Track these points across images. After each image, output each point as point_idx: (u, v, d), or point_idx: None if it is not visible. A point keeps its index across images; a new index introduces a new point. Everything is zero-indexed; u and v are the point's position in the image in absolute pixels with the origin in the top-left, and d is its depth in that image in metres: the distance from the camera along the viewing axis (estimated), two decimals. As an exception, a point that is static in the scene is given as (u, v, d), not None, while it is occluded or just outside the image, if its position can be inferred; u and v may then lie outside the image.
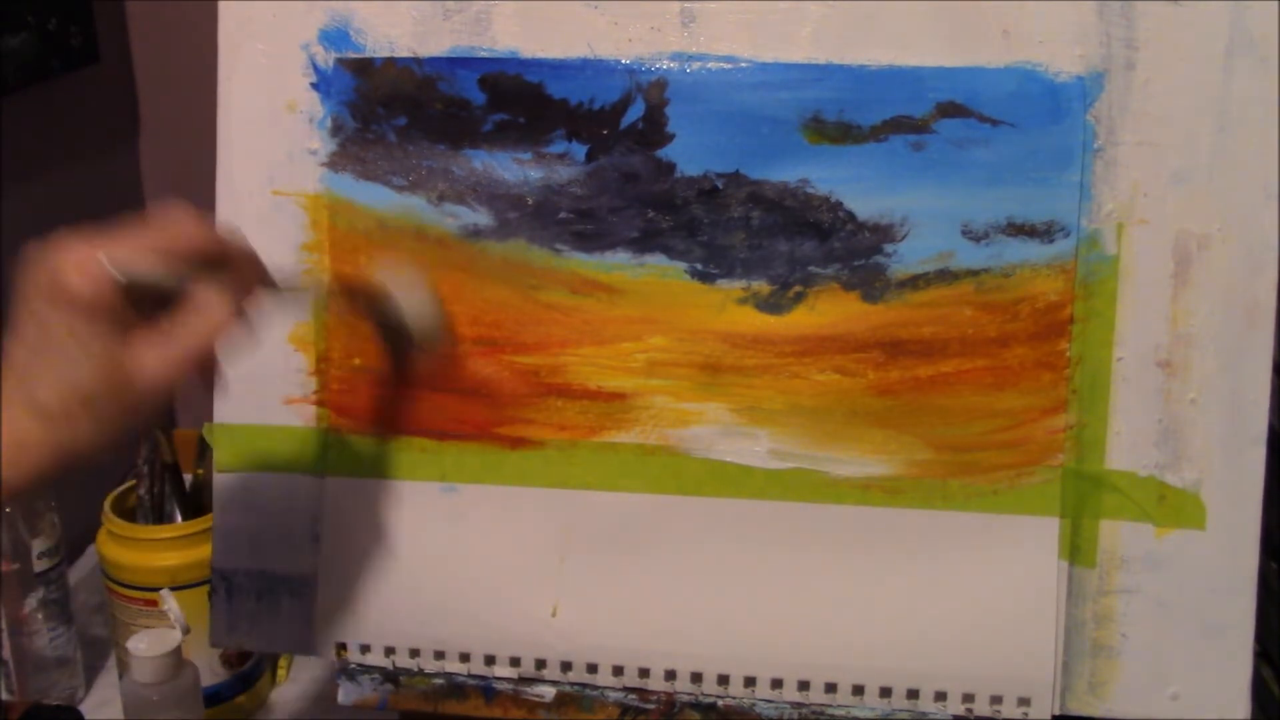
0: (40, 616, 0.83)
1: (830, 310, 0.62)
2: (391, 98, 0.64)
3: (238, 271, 0.52)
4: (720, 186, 0.62)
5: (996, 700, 0.62)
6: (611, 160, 0.62)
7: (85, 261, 0.47)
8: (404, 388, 0.64)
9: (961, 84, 0.60)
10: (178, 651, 0.68)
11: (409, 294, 0.61)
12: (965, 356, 0.61)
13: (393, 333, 0.62)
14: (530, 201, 0.63)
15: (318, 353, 0.66)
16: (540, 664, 0.65)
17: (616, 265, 0.63)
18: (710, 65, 0.62)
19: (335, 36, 0.64)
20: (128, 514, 0.83)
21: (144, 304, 0.49)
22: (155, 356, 0.49)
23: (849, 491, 0.62)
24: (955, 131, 0.60)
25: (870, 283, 0.61)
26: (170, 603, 0.71)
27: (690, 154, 0.62)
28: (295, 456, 0.66)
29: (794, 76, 0.61)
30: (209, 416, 0.67)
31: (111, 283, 0.47)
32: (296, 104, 0.65)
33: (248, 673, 0.81)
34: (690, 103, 0.62)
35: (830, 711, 0.63)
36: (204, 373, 0.52)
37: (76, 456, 0.49)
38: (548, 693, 0.65)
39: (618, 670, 0.64)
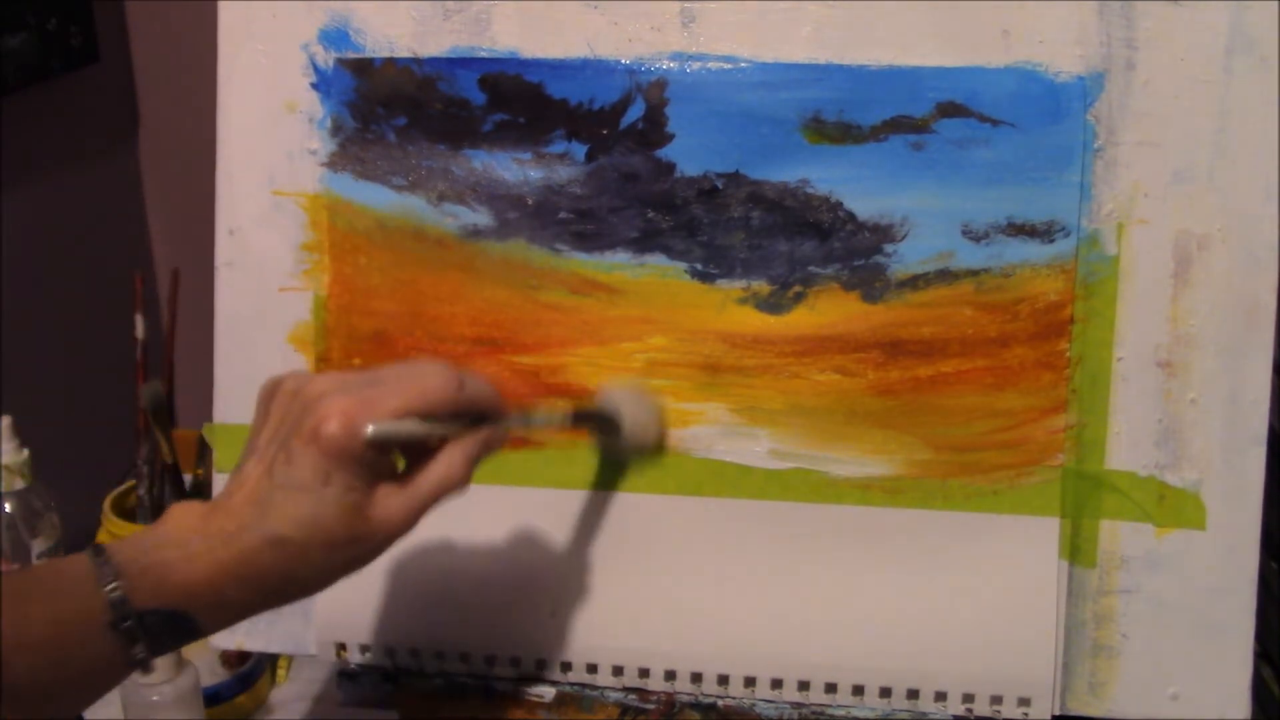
0: (40, 616, 0.83)
1: (830, 310, 0.62)
2: (391, 98, 0.64)
3: (483, 426, 0.53)
4: (720, 186, 0.62)
5: (996, 700, 0.62)
6: (611, 160, 0.62)
7: (345, 409, 0.49)
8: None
9: (961, 84, 0.60)
10: (178, 651, 0.68)
11: (636, 414, 0.62)
12: (965, 356, 0.61)
13: (609, 447, 0.63)
14: (530, 201, 0.63)
15: (317, 353, 0.66)
16: (540, 664, 0.65)
17: (616, 265, 0.63)
18: (710, 65, 0.62)
19: (335, 36, 0.64)
20: (128, 514, 0.83)
21: (390, 452, 0.51)
22: (396, 506, 0.51)
23: (849, 491, 0.62)
24: (955, 131, 0.60)
25: (870, 283, 0.61)
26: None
27: (690, 154, 0.62)
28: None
29: (794, 76, 0.61)
30: (209, 416, 0.67)
31: (366, 436, 0.49)
32: (296, 104, 0.65)
33: (248, 673, 0.81)
34: (690, 103, 0.62)
35: (830, 711, 0.63)
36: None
37: (303, 592, 0.51)
38: (548, 693, 0.65)
39: (618, 670, 0.64)
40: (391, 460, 0.52)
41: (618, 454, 0.63)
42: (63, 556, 0.53)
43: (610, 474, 0.64)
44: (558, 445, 0.64)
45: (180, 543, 0.49)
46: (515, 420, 0.56)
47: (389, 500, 0.51)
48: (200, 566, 0.48)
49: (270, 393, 0.52)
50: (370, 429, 0.49)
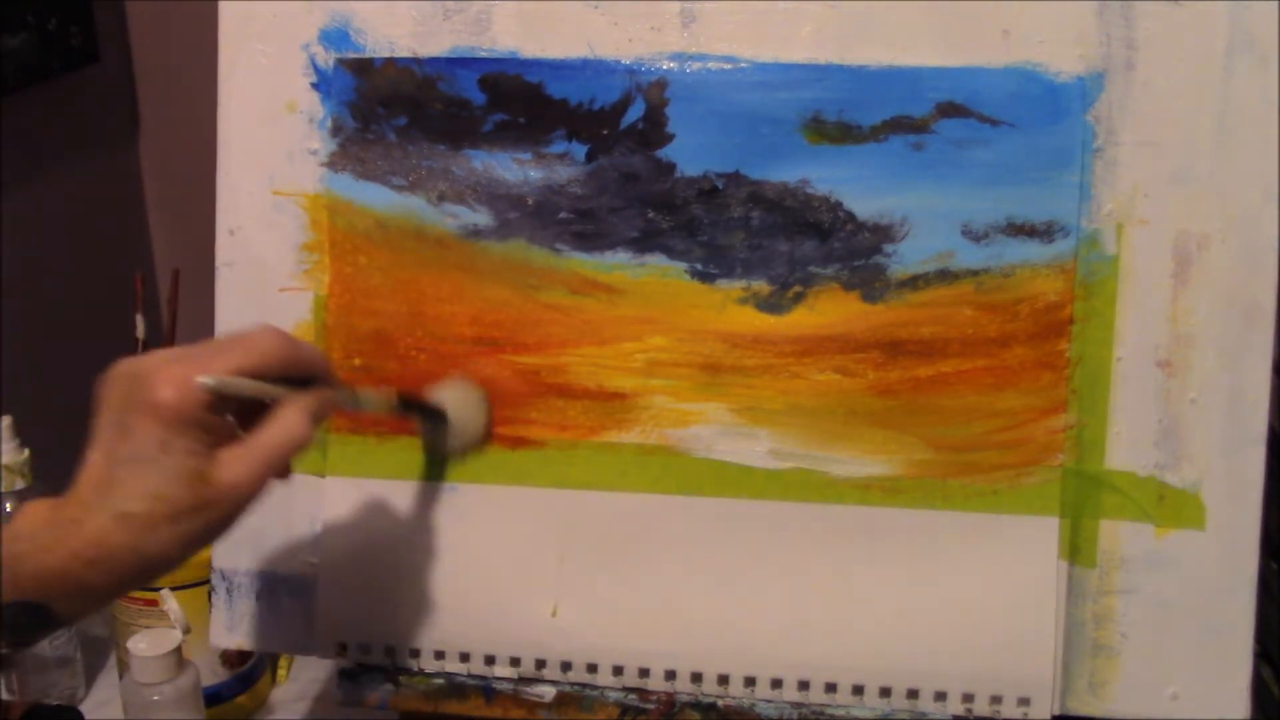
0: (40, 616, 0.83)
1: (830, 310, 0.62)
2: (391, 98, 0.64)
3: (316, 387, 0.54)
4: (720, 186, 0.62)
5: (996, 700, 0.62)
6: (611, 160, 0.62)
7: (175, 375, 0.49)
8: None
9: (961, 84, 0.60)
10: (178, 651, 0.68)
11: (462, 410, 0.64)
12: (965, 356, 0.61)
13: (434, 440, 0.65)
14: (530, 201, 0.63)
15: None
16: (540, 664, 0.65)
17: (616, 265, 0.63)
18: (710, 65, 0.62)
19: (335, 36, 0.64)
20: (128, 514, 0.83)
21: (227, 416, 0.52)
22: (240, 468, 0.51)
23: (849, 491, 0.62)
24: (955, 131, 0.60)
25: (870, 283, 0.61)
26: (170, 603, 0.71)
27: (690, 154, 0.62)
28: (295, 456, 0.66)
29: (794, 76, 0.61)
30: (209, 416, 0.67)
31: (199, 395, 0.49)
32: (296, 104, 0.65)
33: (248, 673, 0.81)
34: (690, 103, 0.62)
35: (830, 711, 0.63)
36: (282, 477, 0.55)
37: (160, 566, 0.50)
38: (548, 693, 0.65)
39: (618, 670, 0.64)
40: (231, 425, 0.52)
41: (440, 447, 0.64)
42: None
43: (435, 466, 0.65)
44: (558, 445, 0.64)
45: (30, 535, 0.49)
46: (345, 395, 0.57)
47: (232, 463, 0.51)
48: (52, 556, 0.48)
49: (107, 383, 0.52)
50: (200, 382, 0.49)
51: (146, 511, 0.49)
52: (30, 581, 0.48)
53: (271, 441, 0.52)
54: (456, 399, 0.64)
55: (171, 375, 0.49)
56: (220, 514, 0.51)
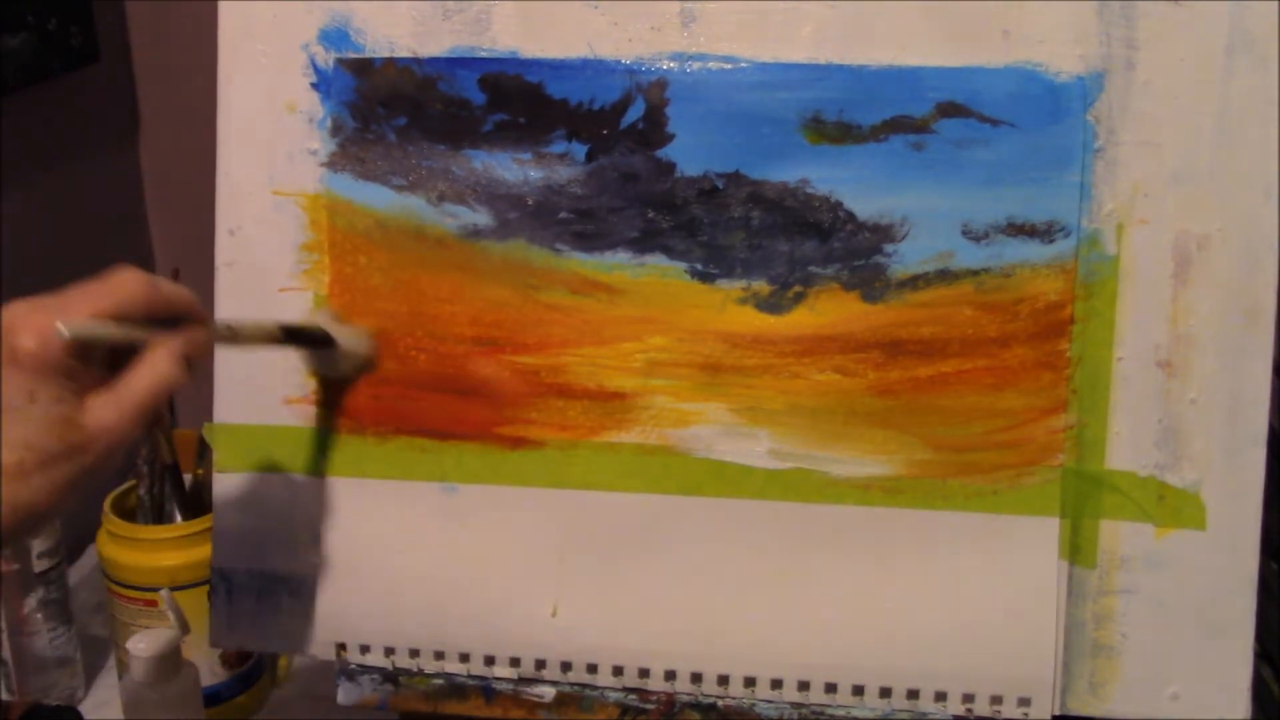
0: (40, 616, 0.83)
1: (830, 310, 0.62)
2: (391, 98, 0.64)
3: (185, 327, 0.54)
4: (720, 186, 0.62)
5: (996, 700, 0.62)
6: (611, 160, 0.62)
7: (37, 323, 0.50)
8: (401, 387, 0.65)
9: (961, 84, 0.60)
10: (178, 651, 0.68)
11: (347, 333, 0.64)
12: (965, 356, 0.61)
13: (323, 366, 0.65)
14: (530, 201, 0.63)
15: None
16: (540, 664, 0.65)
17: (616, 265, 0.63)
18: (710, 65, 0.62)
19: (335, 36, 0.64)
20: (128, 514, 0.83)
21: (94, 362, 0.52)
22: (109, 412, 0.51)
23: (849, 491, 0.62)
24: (955, 131, 0.60)
25: (870, 283, 0.61)
26: (170, 603, 0.71)
27: (690, 154, 0.62)
28: (295, 456, 0.66)
29: (794, 76, 0.61)
30: (209, 416, 0.67)
31: (62, 342, 0.49)
32: (296, 104, 0.65)
33: (248, 673, 0.81)
34: (690, 103, 0.62)
35: (830, 711, 0.63)
36: (156, 423, 0.55)
37: (34, 515, 0.50)
38: (548, 693, 0.65)
39: (618, 670, 0.64)
40: (97, 370, 0.52)
41: (330, 372, 0.65)
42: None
43: (327, 390, 0.65)
44: (558, 445, 0.64)
45: None
46: (219, 329, 0.57)
47: (101, 408, 0.51)
48: None
49: None
50: (61, 329, 0.49)
51: (16, 461, 0.49)
52: None
53: (140, 385, 0.52)
54: (337, 325, 0.64)
55: (32, 323, 0.50)
56: (91, 459, 0.51)
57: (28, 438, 0.49)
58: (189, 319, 0.55)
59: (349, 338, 0.64)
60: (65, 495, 0.50)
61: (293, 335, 0.62)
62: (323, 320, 0.64)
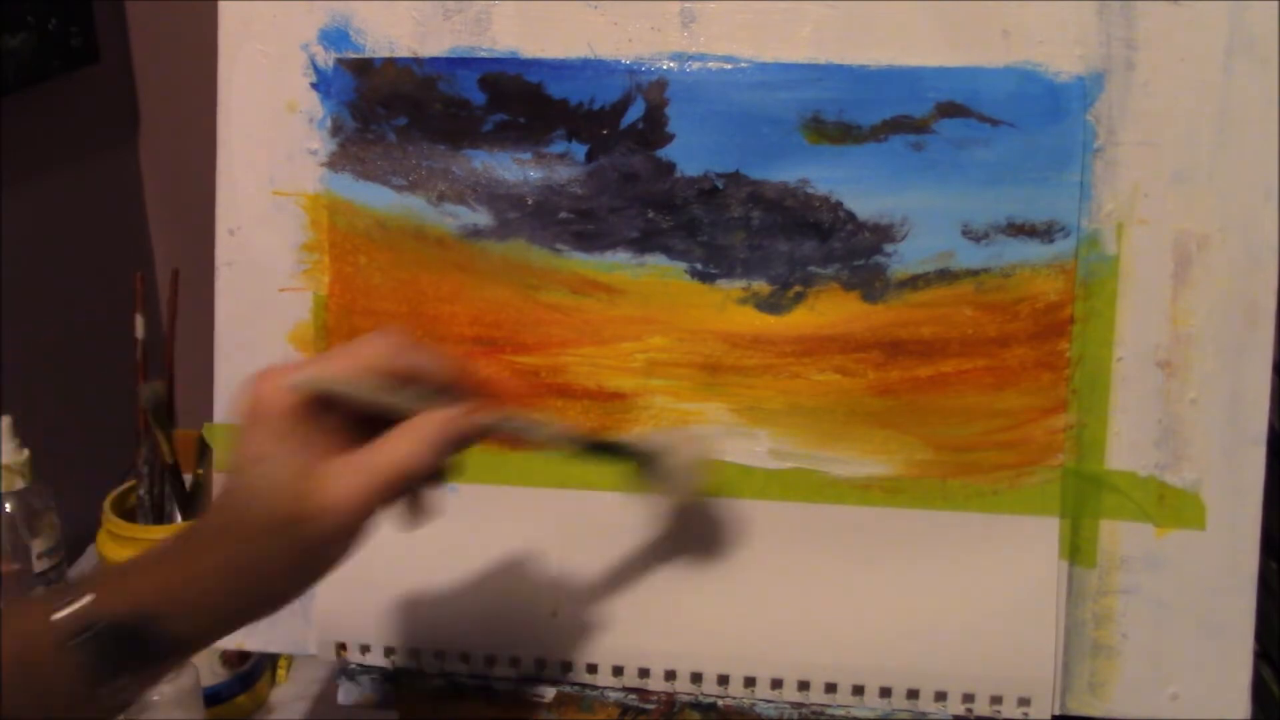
0: (40, 616, 0.83)
1: (830, 310, 0.62)
2: (391, 98, 0.64)
3: (464, 404, 0.49)
4: (720, 186, 0.62)
5: (996, 700, 0.62)
6: (611, 160, 0.62)
7: (275, 382, 0.47)
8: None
9: (961, 84, 0.60)
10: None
11: (677, 452, 0.57)
12: (965, 356, 0.61)
13: (639, 483, 0.58)
14: (530, 201, 0.63)
15: (317, 353, 0.66)
16: (540, 664, 0.65)
17: (616, 265, 0.63)
18: (710, 65, 0.62)
19: (335, 36, 0.64)
20: (128, 514, 0.83)
21: (341, 428, 0.48)
22: (345, 482, 0.47)
23: (849, 491, 0.62)
24: (955, 131, 0.60)
25: (870, 283, 0.61)
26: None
27: (690, 154, 0.62)
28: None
29: (794, 76, 0.61)
30: (209, 416, 0.67)
31: (294, 400, 0.47)
32: (296, 104, 0.65)
33: (248, 673, 0.81)
34: (690, 103, 0.62)
35: (830, 711, 0.63)
36: (412, 510, 0.51)
37: (264, 586, 0.47)
38: (548, 693, 0.65)
39: (618, 670, 0.64)
40: (341, 437, 0.48)
41: (648, 488, 0.58)
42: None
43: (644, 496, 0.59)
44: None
45: (150, 551, 0.47)
46: (504, 418, 0.51)
47: (338, 476, 0.47)
48: (159, 570, 0.46)
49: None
50: (290, 381, 0.47)
51: (248, 518, 0.46)
52: (129, 603, 0.44)
53: (382, 460, 0.47)
54: (674, 444, 0.57)
55: (271, 381, 0.47)
56: (322, 530, 0.47)
57: (260, 494, 0.46)
58: (461, 391, 0.50)
59: (676, 453, 0.57)
60: (297, 566, 0.47)
61: (599, 449, 0.56)
62: (651, 438, 0.58)
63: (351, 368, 0.48)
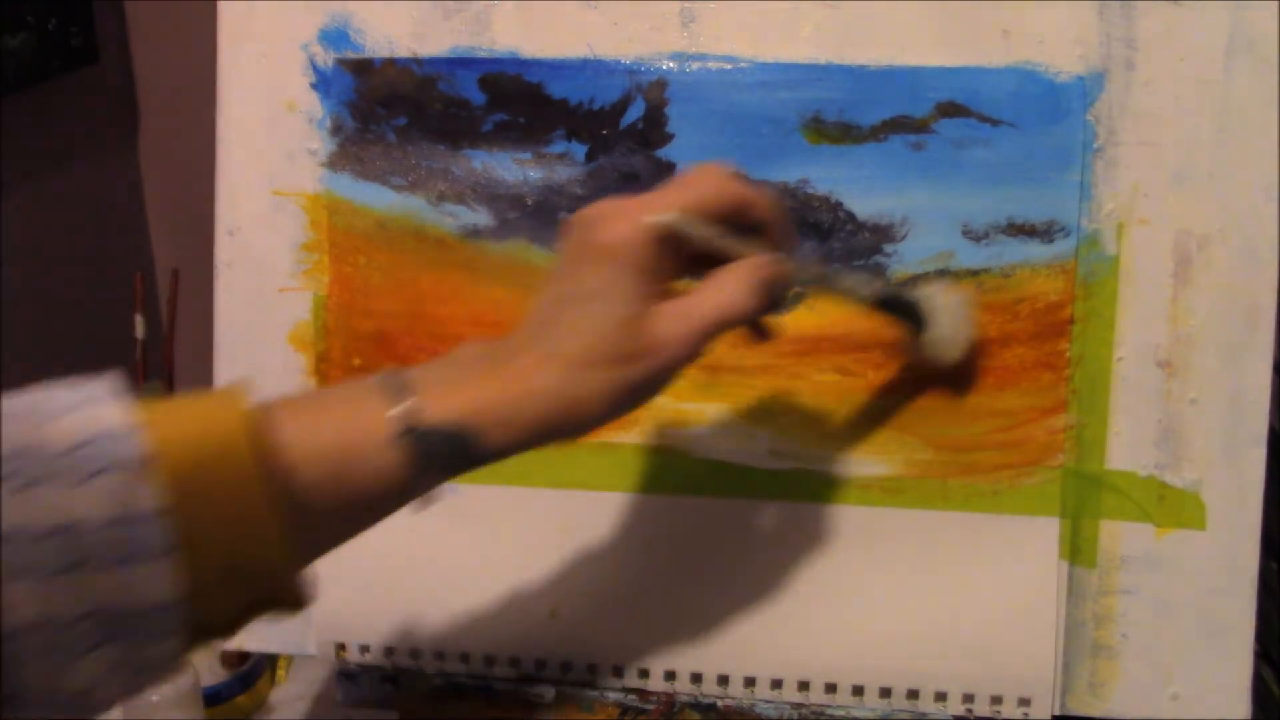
0: (40, 616, 0.83)
1: (830, 310, 0.62)
2: (391, 98, 0.64)
3: (774, 248, 0.50)
4: (720, 186, 0.62)
5: (996, 700, 0.62)
6: (611, 160, 0.62)
7: (620, 217, 0.48)
8: None
9: (961, 84, 0.60)
10: (178, 651, 0.68)
11: (946, 317, 0.58)
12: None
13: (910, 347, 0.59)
14: (530, 201, 0.63)
15: (317, 353, 0.66)
16: (540, 664, 0.65)
17: (616, 265, 0.63)
18: (710, 65, 0.62)
19: (335, 36, 0.64)
20: (128, 514, 0.83)
21: (669, 268, 0.49)
22: (674, 326, 0.48)
23: (849, 491, 0.62)
24: (955, 131, 0.60)
25: (870, 283, 0.61)
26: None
27: (690, 154, 0.62)
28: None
29: (794, 76, 0.61)
30: (209, 416, 0.67)
31: (646, 238, 0.48)
32: (296, 104, 0.65)
33: (248, 673, 0.81)
34: (690, 103, 0.62)
35: (830, 711, 0.63)
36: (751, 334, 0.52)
37: (581, 408, 0.48)
38: (548, 693, 0.65)
39: (618, 670, 0.64)
40: (671, 277, 0.49)
41: (914, 354, 0.60)
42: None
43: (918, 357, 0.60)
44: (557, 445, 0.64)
45: (464, 364, 0.48)
46: (813, 267, 0.52)
47: (667, 320, 0.48)
48: (481, 386, 0.47)
49: (564, 227, 0.51)
50: (647, 220, 0.47)
51: (577, 351, 0.47)
52: (457, 408, 0.46)
53: (707, 306, 0.49)
54: (941, 302, 0.58)
55: (621, 216, 0.48)
56: (646, 370, 0.48)
57: (594, 329, 0.47)
58: (776, 237, 0.51)
59: (947, 319, 0.58)
60: (615, 403, 0.48)
61: (887, 304, 0.57)
62: (928, 293, 0.58)
63: (693, 205, 0.49)
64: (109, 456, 0.40)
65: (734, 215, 0.50)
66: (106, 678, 0.42)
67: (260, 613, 0.45)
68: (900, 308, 0.58)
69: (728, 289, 0.49)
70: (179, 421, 0.42)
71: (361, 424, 0.46)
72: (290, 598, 0.45)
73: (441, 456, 0.46)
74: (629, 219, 0.48)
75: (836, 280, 0.55)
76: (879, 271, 0.61)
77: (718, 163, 0.51)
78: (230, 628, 0.44)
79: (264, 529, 0.42)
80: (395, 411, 0.46)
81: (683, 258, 0.50)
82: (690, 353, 0.49)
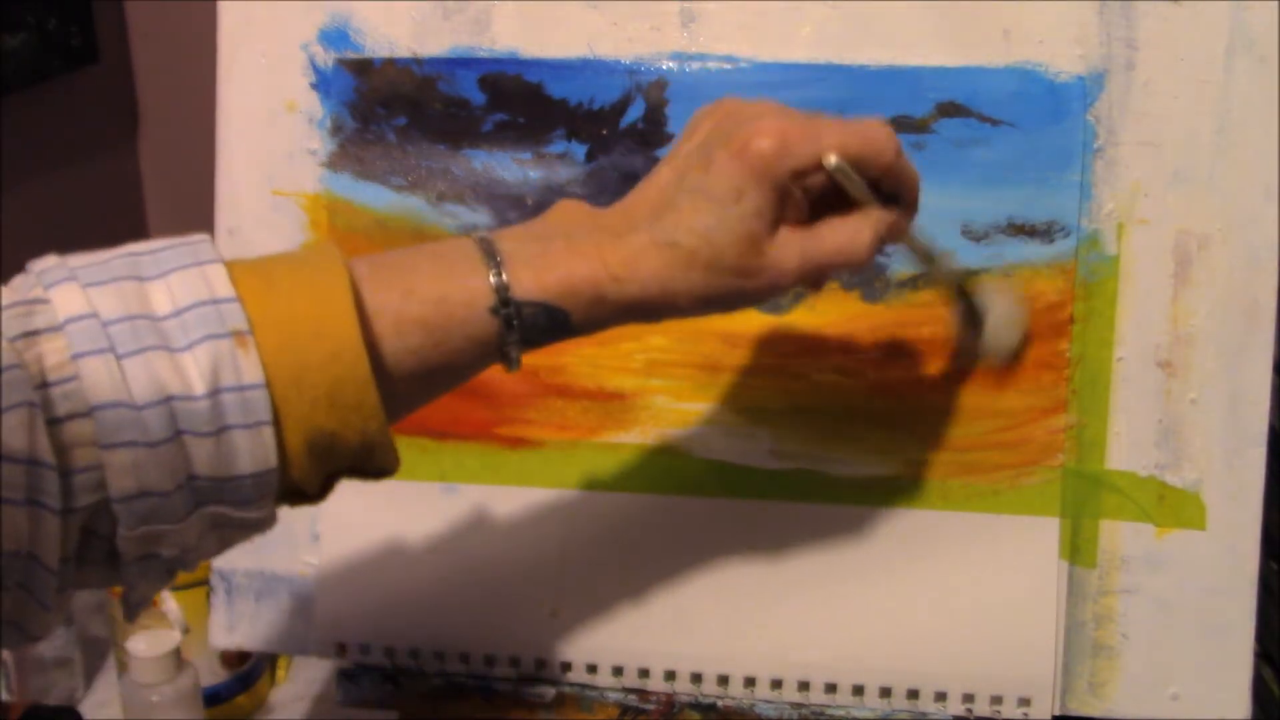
0: (40, 616, 0.83)
1: (830, 310, 0.62)
2: (391, 98, 0.64)
3: (902, 206, 0.50)
4: (720, 186, 0.61)
5: (996, 700, 0.62)
6: (611, 160, 0.62)
7: (781, 132, 0.47)
8: None
9: (961, 84, 0.60)
10: (177, 652, 0.68)
11: (1003, 312, 0.60)
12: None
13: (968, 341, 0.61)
14: (530, 201, 0.63)
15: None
16: (540, 664, 0.65)
17: (616, 265, 0.63)
18: (710, 65, 0.62)
19: (335, 36, 0.64)
20: (128, 514, 0.83)
21: (801, 199, 0.49)
22: (793, 251, 0.48)
23: (849, 491, 0.62)
24: (955, 131, 0.60)
25: (870, 283, 0.61)
26: (170, 603, 0.71)
27: (690, 154, 0.62)
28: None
29: (794, 76, 0.61)
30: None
31: (798, 163, 0.47)
32: (296, 104, 0.65)
33: (248, 673, 0.81)
34: (690, 103, 0.61)
35: (830, 711, 0.63)
36: (816, 284, 0.52)
37: (674, 303, 0.48)
38: (548, 693, 0.65)
39: (618, 670, 0.64)
40: (803, 207, 0.49)
41: (972, 348, 0.60)
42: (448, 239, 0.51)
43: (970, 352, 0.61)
44: (557, 445, 0.64)
45: (567, 234, 0.47)
46: (920, 237, 0.53)
47: (788, 243, 0.48)
48: (583, 261, 0.46)
49: (707, 111, 0.50)
50: (830, 159, 0.47)
51: (691, 250, 0.46)
52: (556, 284, 0.46)
53: (831, 243, 0.48)
54: (999, 300, 0.60)
55: (777, 128, 0.47)
56: (750, 286, 0.48)
57: (714, 232, 0.46)
58: (904, 202, 0.50)
59: (1002, 317, 0.59)
60: (705, 305, 0.48)
61: (965, 296, 0.58)
62: (992, 292, 0.59)
63: (856, 155, 0.48)
64: (210, 325, 0.41)
65: (882, 177, 0.49)
66: (199, 540, 0.43)
67: (348, 477, 0.45)
68: (971, 302, 0.59)
69: (854, 235, 0.49)
70: (277, 291, 0.42)
71: (458, 293, 0.45)
72: (379, 464, 0.45)
73: (536, 329, 0.46)
74: (782, 138, 0.47)
75: (941, 259, 0.56)
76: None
77: (883, 120, 0.50)
78: (321, 493, 0.45)
79: (361, 398, 0.42)
80: (494, 281, 0.46)
81: (811, 193, 0.49)
82: (798, 282, 0.49)
